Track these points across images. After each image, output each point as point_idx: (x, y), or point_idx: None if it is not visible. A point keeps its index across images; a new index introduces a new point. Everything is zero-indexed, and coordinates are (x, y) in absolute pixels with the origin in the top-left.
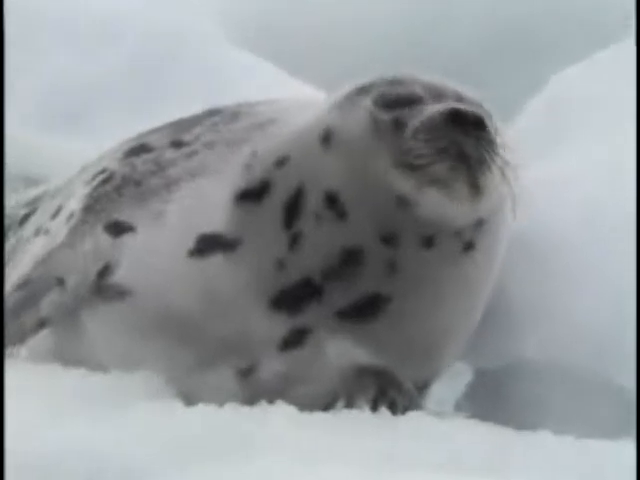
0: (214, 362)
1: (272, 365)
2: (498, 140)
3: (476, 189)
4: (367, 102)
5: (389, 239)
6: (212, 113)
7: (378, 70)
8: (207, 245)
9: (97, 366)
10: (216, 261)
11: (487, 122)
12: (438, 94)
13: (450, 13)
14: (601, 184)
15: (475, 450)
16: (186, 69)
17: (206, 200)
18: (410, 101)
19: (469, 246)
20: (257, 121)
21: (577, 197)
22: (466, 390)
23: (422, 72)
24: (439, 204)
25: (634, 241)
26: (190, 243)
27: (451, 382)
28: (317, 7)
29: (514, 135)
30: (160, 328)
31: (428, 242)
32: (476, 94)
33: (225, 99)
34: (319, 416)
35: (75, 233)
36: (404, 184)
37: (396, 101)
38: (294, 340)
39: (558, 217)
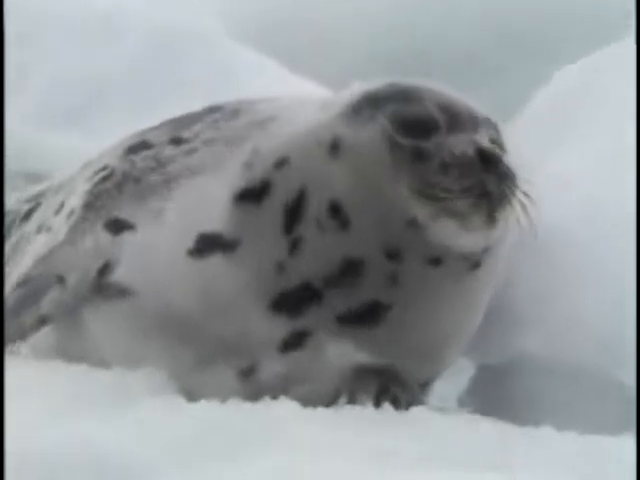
0: (215, 361)
1: (272, 366)
2: (517, 172)
3: (492, 220)
4: (383, 120)
5: (393, 254)
6: (212, 110)
7: (380, 68)
8: (206, 245)
9: (99, 363)
10: (215, 261)
11: (505, 159)
12: (453, 116)
13: (451, 10)
14: (602, 181)
15: (477, 446)
16: (188, 66)
17: (205, 198)
18: (428, 127)
19: (475, 266)
20: (257, 118)
21: (579, 194)
22: (469, 386)
23: (428, 78)
24: (453, 233)
25: (634, 238)
26: (189, 242)
27: (454, 378)
28: (318, 3)
29: (514, 135)
30: (161, 327)
31: (434, 262)
32: (476, 99)
33: (228, 96)
34: (321, 412)
35: (75, 231)
36: (420, 211)
37: (413, 125)
38: (294, 342)
39: (560, 214)
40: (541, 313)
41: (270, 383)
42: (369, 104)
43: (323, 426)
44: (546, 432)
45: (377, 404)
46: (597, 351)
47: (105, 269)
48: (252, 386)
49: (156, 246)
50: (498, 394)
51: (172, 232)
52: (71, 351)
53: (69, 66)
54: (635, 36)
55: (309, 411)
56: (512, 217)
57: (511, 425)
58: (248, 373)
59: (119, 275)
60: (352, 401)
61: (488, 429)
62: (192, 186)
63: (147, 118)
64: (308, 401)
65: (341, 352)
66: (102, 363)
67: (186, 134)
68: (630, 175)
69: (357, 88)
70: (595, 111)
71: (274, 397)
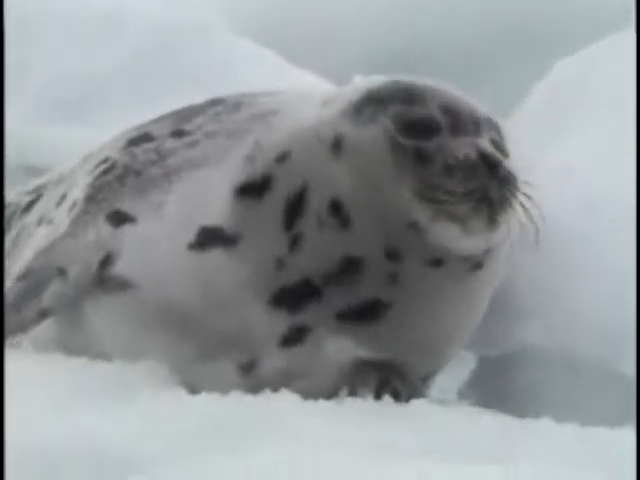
0: (215, 355)
1: (272, 361)
2: (518, 175)
3: (493, 223)
4: (385, 121)
5: (393, 255)
6: (214, 103)
7: (381, 66)
8: (207, 238)
9: (100, 356)
10: (216, 255)
11: (506, 162)
12: (455, 118)
13: (452, 8)
14: (601, 174)
15: (478, 438)
16: (189, 60)
17: (207, 192)
18: (430, 128)
19: (476, 267)
20: (259, 112)
21: (578, 187)
22: (469, 378)
23: (429, 76)
24: (453, 236)
25: (634, 231)
26: (191, 236)
27: (454, 370)
28: (319, 2)
29: (513, 129)
30: (162, 320)
31: (435, 263)
32: (477, 97)
33: (228, 89)
34: (322, 405)
35: (77, 223)
36: (421, 214)
37: (415, 126)
38: (294, 337)
39: (559, 207)
40: (541, 306)
41: (270, 378)
42: (372, 103)
43: (324, 419)
44: (546, 424)
45: (378, 397)
46: (597, 343)
47: (106, 261)
48: (252, 380)
49: (157, 239)
50: (498, 386)
51: (173, 225)
52: (72, 344)
53: (69, 62)
54: (635, 33)
55: (310, 404)
56: (514, 219)
57: (511, 417)
58: (248, 367)
59: (120, 268)
60: (352, 394)
61: (488, 421)
62: (193, 179)
63: (148, 113)
64: (308, 396)
65: (341, 348)
66: (103, 356)
67: (188, 127)
68: (629, 167)
69: (360, 85)
70: (594, 103)
71: (275, 390)
